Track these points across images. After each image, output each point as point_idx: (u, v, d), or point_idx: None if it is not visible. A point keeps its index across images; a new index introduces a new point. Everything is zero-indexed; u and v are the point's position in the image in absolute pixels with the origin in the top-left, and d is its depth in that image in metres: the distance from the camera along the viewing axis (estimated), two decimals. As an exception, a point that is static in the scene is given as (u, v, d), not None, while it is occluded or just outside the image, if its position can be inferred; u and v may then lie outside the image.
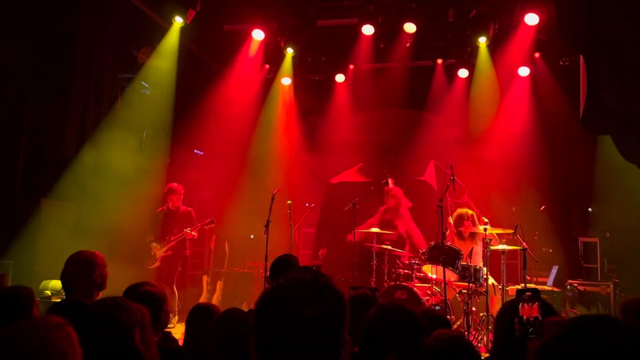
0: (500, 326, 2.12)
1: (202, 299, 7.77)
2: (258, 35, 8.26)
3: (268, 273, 6.27)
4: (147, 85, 7.92)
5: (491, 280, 6.37)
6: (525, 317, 1.83)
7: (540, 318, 1.82)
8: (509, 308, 2.07)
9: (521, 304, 1.84)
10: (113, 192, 6.70)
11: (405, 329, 2.25)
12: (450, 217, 6.92)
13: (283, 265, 3.93)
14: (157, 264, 6.88)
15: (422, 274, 6.51)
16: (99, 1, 7.07)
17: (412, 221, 7.47)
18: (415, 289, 6.19)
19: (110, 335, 2.17)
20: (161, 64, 7.84)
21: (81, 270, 3.02)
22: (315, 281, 1.30)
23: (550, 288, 6.80)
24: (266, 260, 6.32)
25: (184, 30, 7.83)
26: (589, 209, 8.24)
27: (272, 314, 1.26)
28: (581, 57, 4.53)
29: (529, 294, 1.85)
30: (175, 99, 8.11)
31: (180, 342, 3.21)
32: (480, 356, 2.26)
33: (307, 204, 7.90)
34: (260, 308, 1.29)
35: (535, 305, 1.82)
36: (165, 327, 3.09)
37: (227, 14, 8.37)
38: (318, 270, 1.36)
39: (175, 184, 7.15)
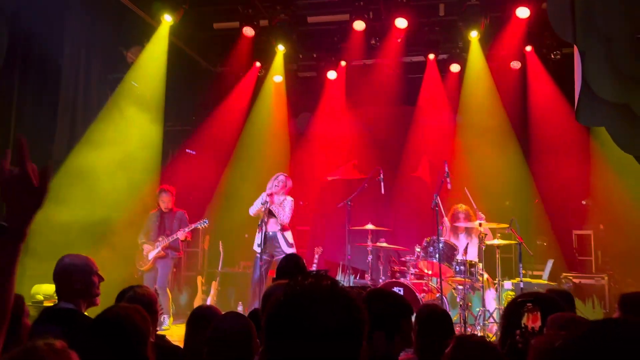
0: (505, 336, 2.00)
1: (197, 300, 7.71)
2: (248, 32, 8.17)
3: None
4: (136, 85, 7.82)
5: (485, 275, 6.37)
6: (528, 328, 1.77)
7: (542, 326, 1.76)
8: (512, 314, 1.99)
9: (524, 314, 1.78)
10: (104, 194, 6.62)
11: (389, 308, 2.31)
12: (445, 214, 6.90)
13: (292, 267, 3.87)
14: (149, 265, 6.82)
15: (417, 270, 6.48)
16: (86, 1, 6.97)
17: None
18: (411, 285, 6.16)
19: (127, 345, 2.07)
20: (151, 63, 7.74)
21: (67, 275, 2.91)
22: (333, 288, 1.21)
23: (545, 282, 6.80)
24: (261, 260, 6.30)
25: (173, 29, 7.73)
26: (583, 202, 8.24)
27: (288, 322, 1.17)
28: (575, 48, 4.50)
29: (530, 305, 1.79)
30: (166, 98, 8.02)
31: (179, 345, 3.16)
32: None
33: (300, 202, 7.83)
34: (273, 316, 1.19)
35: (538, 314, 1.77)
36: (157, 326, 3.05)
37: (217, 11, 8.29)
38: (330, 276, 1.28)
39: (167, 185, 7.09)
